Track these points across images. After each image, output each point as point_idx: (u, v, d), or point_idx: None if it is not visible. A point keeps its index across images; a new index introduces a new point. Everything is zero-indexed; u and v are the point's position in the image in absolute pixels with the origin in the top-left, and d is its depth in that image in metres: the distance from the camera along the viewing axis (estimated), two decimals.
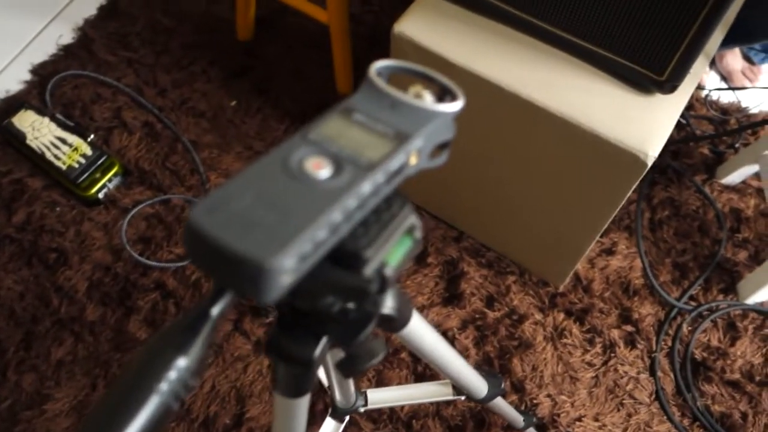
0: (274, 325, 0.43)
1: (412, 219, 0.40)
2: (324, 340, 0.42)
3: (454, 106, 0.42)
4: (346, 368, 0.44)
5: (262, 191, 0.32)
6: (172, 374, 0.31)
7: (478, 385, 0.73)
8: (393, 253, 0.38)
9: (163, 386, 0.31)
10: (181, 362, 0.32)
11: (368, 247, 0.36)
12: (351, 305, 0.37)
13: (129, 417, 0.30)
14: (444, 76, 0.44)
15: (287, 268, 0.30)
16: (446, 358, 0.60)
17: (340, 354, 0.46)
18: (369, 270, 0.36)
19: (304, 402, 0.49)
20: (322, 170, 0.34)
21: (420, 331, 0.53)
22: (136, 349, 0.36)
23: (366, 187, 0.35)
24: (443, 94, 0.45)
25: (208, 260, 0.31)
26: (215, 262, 0.30)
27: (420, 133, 0.39)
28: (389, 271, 0.37)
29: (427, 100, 0.42)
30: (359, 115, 0.40)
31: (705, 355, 1.32)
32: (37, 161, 1.46)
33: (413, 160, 0.40)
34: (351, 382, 0.81)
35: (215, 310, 0.34)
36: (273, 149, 0.36)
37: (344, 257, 0.36)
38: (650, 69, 0.99)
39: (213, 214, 0.31)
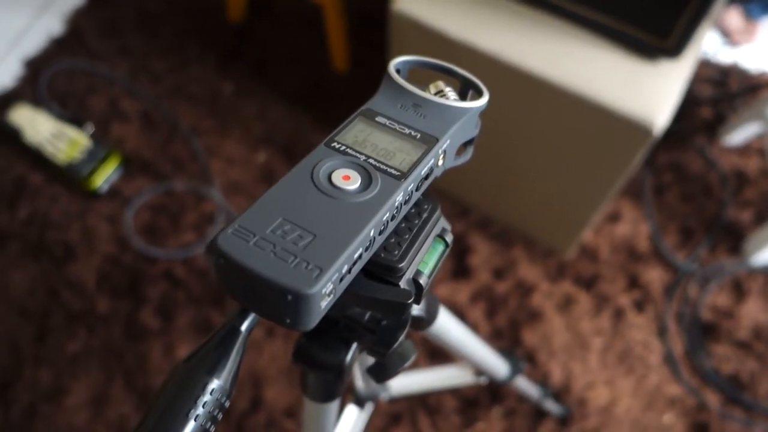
0: (301, 333, 0.42)
1: (443, 222, 0.39)
2: (354, 347, 0.41)
3: (480, 102, 0.41)
4: (378, 374, 0.43)
5: (292, 210, 0.30)
6: (207, 398, 0.31)
7: (500, 367, 0.73)
8: (426, 260, 0.37)
9: (199, 411, 0.30)
10: (215, 384, 0.31)
11: (402, 259, 0.34)
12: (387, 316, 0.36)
13: None
14: (465, 69, 0.43)
15: (327, 291, 0.28)
16: (471, 347, 0.60)
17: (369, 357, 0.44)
18: (404, 281, 0.35)
19: (334, 405, 0.48)
20: (352, 183, 0.32)
21: (447, 325, 0.51)
22: (170, 372, 0.35)
23: (399, 197, 0.33)
24: (465, 89, 0.43)
25: (240, 289, 0.29)
26: (249, 291, 0.29)
27: (447, 133, 0.37)
28: (424, 280, 0.36)
29: (451, 97, 0.41)
30: (382, 118, 0.37)
31: (713, 316, 1.33)
32: (36, 156, 1.44)
33: (440, 162, 0.38)
34: None
35: (245, 326, 0.33)
36: (298, 163, 0.33)
37: (378, 270, 0.34)
38: (654, 34, 0.97)
39: (243, 239, 0.29)
